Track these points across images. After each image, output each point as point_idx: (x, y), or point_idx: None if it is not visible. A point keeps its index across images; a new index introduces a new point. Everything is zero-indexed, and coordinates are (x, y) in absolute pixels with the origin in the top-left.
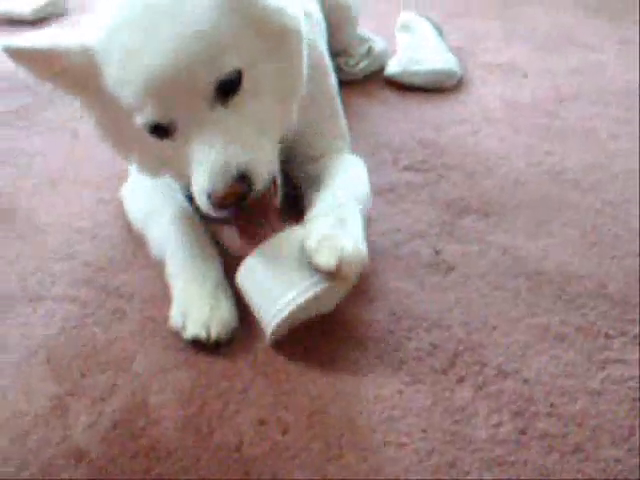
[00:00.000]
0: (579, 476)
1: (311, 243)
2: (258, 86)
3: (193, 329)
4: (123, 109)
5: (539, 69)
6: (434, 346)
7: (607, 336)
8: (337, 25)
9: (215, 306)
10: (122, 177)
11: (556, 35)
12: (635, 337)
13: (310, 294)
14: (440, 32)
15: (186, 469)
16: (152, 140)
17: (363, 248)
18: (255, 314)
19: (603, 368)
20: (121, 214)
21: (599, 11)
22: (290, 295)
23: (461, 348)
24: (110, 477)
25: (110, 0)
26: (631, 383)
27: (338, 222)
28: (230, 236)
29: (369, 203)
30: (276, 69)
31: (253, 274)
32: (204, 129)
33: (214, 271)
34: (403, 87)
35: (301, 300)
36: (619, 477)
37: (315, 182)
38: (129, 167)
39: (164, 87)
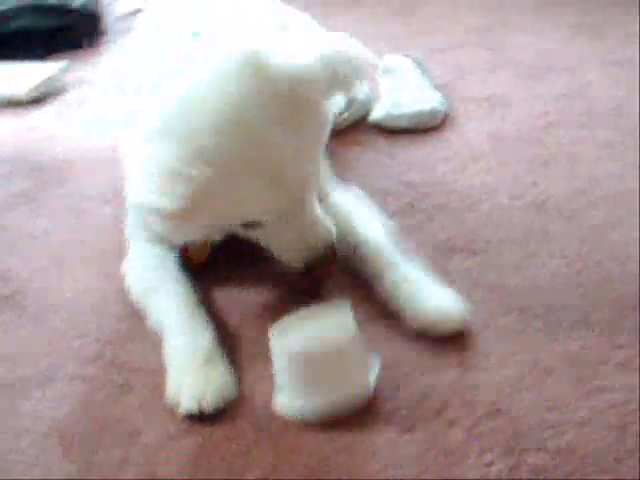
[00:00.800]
0: None
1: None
2: (319, 169)
3: (186, 404)
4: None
5: (524, 97)
6: (427, 391)
7: (592, 365)
8: None
9: (209, 377)
10: (124, 252)
11: (539, 61)
12: (619, 364)
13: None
14: (424, 70)
15: None
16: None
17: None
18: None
19: (589, 397)
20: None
21: (580, 30)
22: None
23: (452, 391)
24: None
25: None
26: (618, 409)
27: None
28: (225, 303)
29: None
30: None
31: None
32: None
33: (207, 341)
34: (390, 131)
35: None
36: None
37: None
38: (128, 242)
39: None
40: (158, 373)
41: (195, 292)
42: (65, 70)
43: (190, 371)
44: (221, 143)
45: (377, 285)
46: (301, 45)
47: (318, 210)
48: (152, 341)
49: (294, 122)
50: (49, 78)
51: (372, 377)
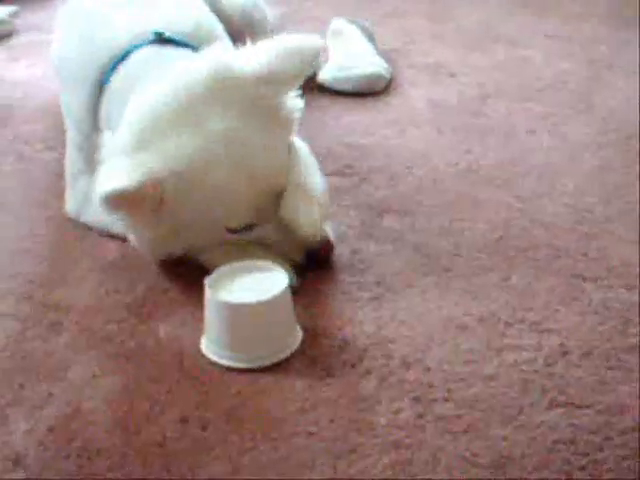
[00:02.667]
0: (467, 454)
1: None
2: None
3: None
4: (201, 220)
5: (467, 67)
6: (345, 342)
7: (506, 324)
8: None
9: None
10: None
11: (484, 32)
12: (532, 324)
13: None
14: (370, 36)
15: (113, 466)
16: (225, 233)
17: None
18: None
19: (499, 354)
20: (62, 231)
21: (525, 6)
22: None
23: (369, 343)
24: (45, 477)
25: (147, 117)
26: (524, 367)
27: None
28: None
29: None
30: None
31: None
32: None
33: None
34: (336, 93)
35: None
36: (504, 453)
37: None
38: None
39: (255, 201)
40: (87, 315)
41: None
42: (15, 14)
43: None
44: (188, 144)
45: None
46: (253, 50)
47: (302, 204)
48: (83, 285)
49: (261, 119)
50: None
51: (296, 336)
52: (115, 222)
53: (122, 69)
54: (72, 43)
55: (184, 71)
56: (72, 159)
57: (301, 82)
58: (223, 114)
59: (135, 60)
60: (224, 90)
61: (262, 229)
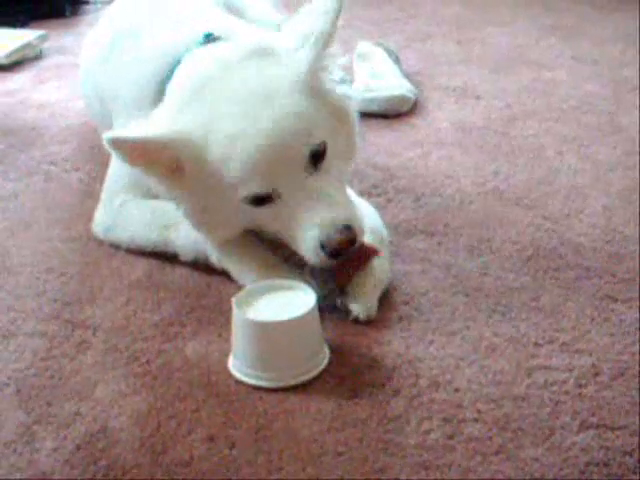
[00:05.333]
0: (499, 476)
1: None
2: (336, 154)
3: None
4: (219, 187)
5: (493, 90)
6: (374, 361)
7: (535, 345)
8: None
9: None
10: (91, 215)
11: (511, 55)
12: (563, 345)
13: None
14: (396, 58)
15: None
16: (248, 209)
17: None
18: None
19: (529, 375)
20: (88, 251)
21: (554, 30)
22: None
23: (398, 362)
24: None
25: (186, 87)
26: (554, 388)
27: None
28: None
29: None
30: (343, 140)
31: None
32: (305, 192)
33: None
34: (362, 114)
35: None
36: (536, 475)
37: None
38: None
39: (270, 163)
40: (114, 333)
41: None
42: (43, 38)
43: None
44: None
45: None
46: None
47: (337, 192)
48: (111, 304)
49: (294, 85)
50: (26, 44)
51: (324, 355)
52: (153, 239)
53: (178, 73)
54: (122, 70)
55: (226, 48)
56: (115, 177)
57: (332, 42)
58: (256, 83)
59: (190, 61)
60: (260, 64)
61: (285, 205)
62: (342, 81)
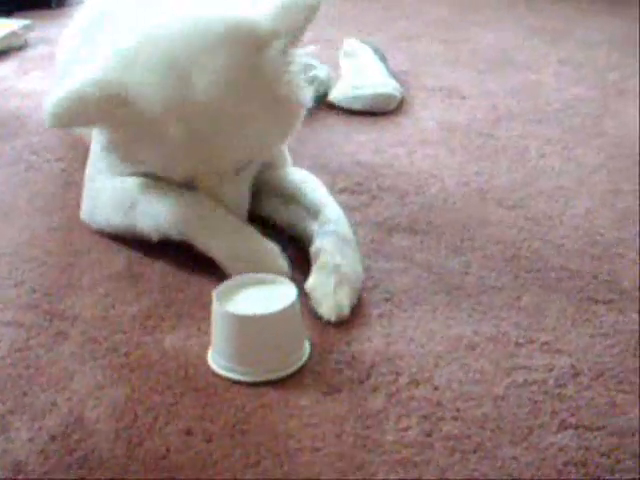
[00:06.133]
0: (477, 474)
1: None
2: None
3: None
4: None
5: (479, 91)
6: (353, 358)
7: (516, 344)
8: None
9: None
10: (73, 205)
11: (497, 57)
12: (543, 345)
13: None
14: (382, 57)
15: (115, 477)
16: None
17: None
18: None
19: (509, 374)
20: (68, 241)
21: (540, 33)
22: None
23: (378, 359)
24: None
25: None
26: (533, 387)
27: (339, 281)
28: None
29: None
30: (279, 130)
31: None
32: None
33: None
34: (347, 112)
35: None
36: (513, 474)
37: (277, 190)
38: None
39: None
40: (93, 324)
41: None
42: (29, 27)
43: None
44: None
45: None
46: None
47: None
48: (90, 295)
49: (233, 72)
50: (11, 34)
51: (305, 350)
52: (123, 221)
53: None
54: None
55: (192, 16)
56: (93, 160)
57: (302, 36)
58: (211, 68)
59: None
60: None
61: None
62: (327, 77)
